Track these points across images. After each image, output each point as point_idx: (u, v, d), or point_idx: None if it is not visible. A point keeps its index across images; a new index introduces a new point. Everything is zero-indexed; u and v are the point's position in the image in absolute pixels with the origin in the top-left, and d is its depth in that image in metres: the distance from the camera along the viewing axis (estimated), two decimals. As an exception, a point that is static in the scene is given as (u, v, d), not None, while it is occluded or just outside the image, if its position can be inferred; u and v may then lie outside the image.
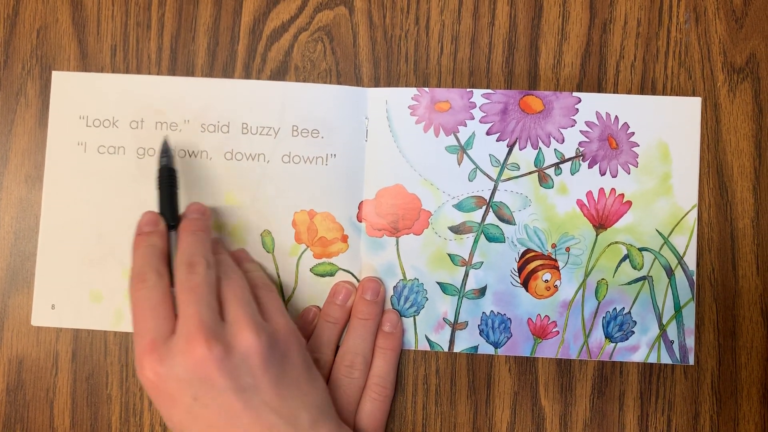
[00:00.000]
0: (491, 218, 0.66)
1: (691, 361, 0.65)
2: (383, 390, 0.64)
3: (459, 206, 0.66)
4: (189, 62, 0.68)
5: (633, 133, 0.66)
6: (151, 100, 0.67)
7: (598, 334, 0.66)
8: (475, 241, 0.66)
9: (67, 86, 0.68)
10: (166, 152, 0.64)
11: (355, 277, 0.67)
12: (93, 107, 0.67)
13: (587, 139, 0.66)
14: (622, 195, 0.66)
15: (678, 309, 0.65)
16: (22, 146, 0.68)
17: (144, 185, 0.67)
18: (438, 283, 0.66)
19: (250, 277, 0.63)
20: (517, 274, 0.66)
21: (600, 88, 0.67)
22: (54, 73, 0.68)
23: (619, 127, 0.66)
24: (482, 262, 0.66)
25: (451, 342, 0.66)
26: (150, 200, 0.65)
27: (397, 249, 0.66)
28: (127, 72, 0.68)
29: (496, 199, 0.66)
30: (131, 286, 0.58)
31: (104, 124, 0.67)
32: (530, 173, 0.66)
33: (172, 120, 0.67)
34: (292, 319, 0.61)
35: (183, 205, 0.64)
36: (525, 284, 0.66)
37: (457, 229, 0.66)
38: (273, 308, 0.60)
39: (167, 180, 0.64)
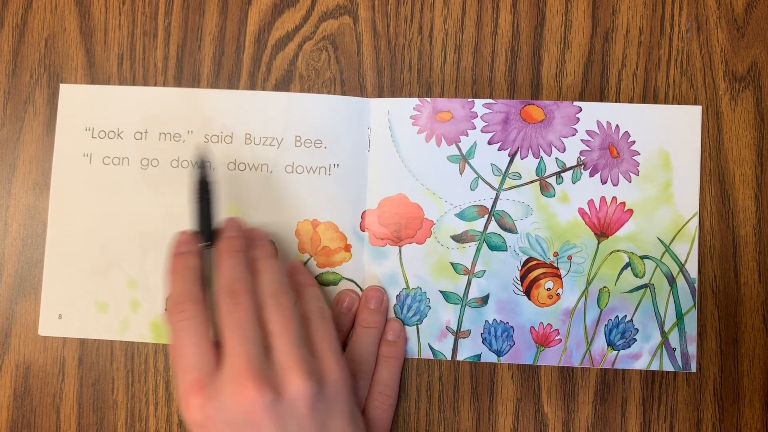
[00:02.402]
0: (493, 227, 0.66)
1: (693, 368, 0.66)
2: (387, 398, 0.65)
3: (461, 215, 0.66)
4: (195, 71, 0.69)
5: (634, 142, 0.66)
6: (155, 111, 0.68)
7: (600, 342, 0.66)
8: (478, 250, 0.66)
9: (74, 98, 0.68)
10: (201, 163, 0.62)
11: (359, 286, 0.67)
12: (99, 119, 0.68)
13: (588, 148, 0.66)
14: (624, 203, 0.66)
15: (680, 316, 0.66)
16: (30, 154, 0.68)
17: (148, 196, 0.67)
18: (441, 291, 0.66)
19: (304, 296, 0.61)
20: (519, 282, 0.66)
21: (602, 97, 0.67)
22: (62, 86, 0.68)
23: (620, 135, 0.66)
24: (485, 271, 0.66)
25: (454, 350, 0.66)
26: (154, 210, 0.66)
27: (400, 258, 0.66)
28: (133, 81, 0.69)
29: (498, 208, 0.66)
30: (170, 313, 0.56)
31: (109, 136, 0.68)
32: (532, 182, 0.66)
33: (176, 131, 0.67)
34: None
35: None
36: (527, 293, 0.66)
37: (459, 238, 0.66)
38: (325, 345, 0.58)
39: (204, 194, 0.61)
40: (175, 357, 0.55)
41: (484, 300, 0.66)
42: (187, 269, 0.58)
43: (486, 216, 0.66)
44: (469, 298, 0.66)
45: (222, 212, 0.67)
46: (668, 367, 0.66)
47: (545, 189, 0.66)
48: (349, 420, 0.57)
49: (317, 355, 0.57)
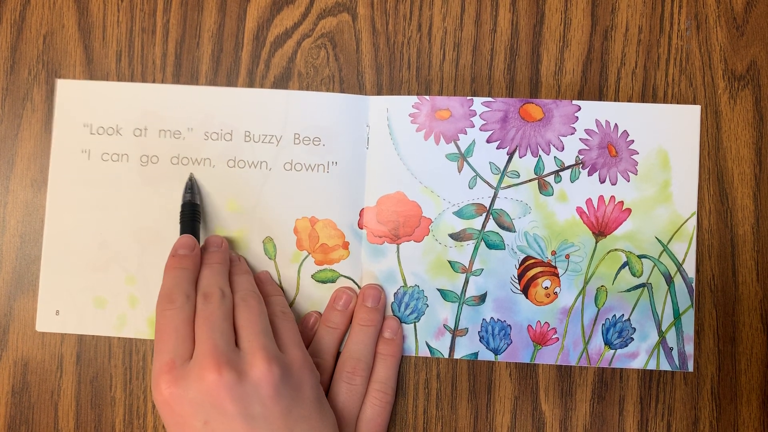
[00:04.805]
0: (491, 225, 0.66)
1: (690, 368, 0.66)
2: (384, 396, 0.65)
3: (459, 213, 0.66)
4: (193, 68, 0.69)
5: (632, 141, 0.66)
6: (155, 108, 0.68)
7: (597, 341, 0.66)
8: (476, 248, 0.66)
9: (72, 94, 0.68)
10: (191, 188, 0.66)
11: (356, 284, 0.67)
12: (97, 115, 0.68)
13: (587, 147, 0.66)
14: (622, 202, 0.66)
15: (677, 316, 0.66)
16: (28, 150, 0.68)
17: (147, 192, 0.67)
18: (438, 289, 0.67)
19: (270, 303, 0.64)
20: (517, 281, 0.66)
21: (601, 95, 0.67)
22: (59, 81, 0.68)
23: (619, 134, 0.66)
24: (482, 269, 0.66)
25: (452, 348, 0.66)
26: (152, 207, 0.66)
27: (398, 256, 0.66)
28: (131, 78, 0.69)
29: (496, 206, 0.66)
30: (159, 305, 0.59)
31: (108, 132, 0.68)
32: (530, 181, 0.66)
33: (176, 128, 0.67)
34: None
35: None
36: (525, 291, 0.66)
37: (457, 236, 0.66)
38: (289, 339, 0.61)
39: (190, 215, 0.65)
40: (156, 342, 0.58)
41: (482, 298, 0.66)
42: (182, 270, 0.61)
43: (484, 214, 0.66)
44: (466, 297, 0.66)
45: (222, 208, 0.67)
46: (665, 366, 0.66)
47: (543, 188, 0.66)
48: (316, 407, 0.59)
49: (283, 348, 0.60)
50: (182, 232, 0.65)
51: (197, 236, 0.65)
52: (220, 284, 0.61)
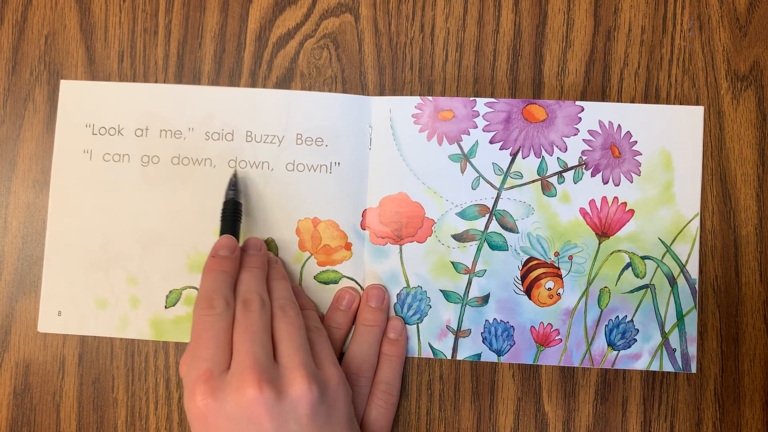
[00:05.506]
0: (494, 226, 0.66)
1: (693, 369, 0.66)
2: (389, 397, 0.65)
3: (462, 214, 0.66)
4: (196, 69, 0.69)
5: (636, 142, 0.66)
6: (156, 108, 0.68)
7: (600, 342, 0.66)
8: (478, 249, 0.66)
9: (75, 95, 0.68)
10: (234, 185, 0.66)
11: (359, 285, 0.67)
12: (99, 115, 0.68)
13: (590, 148, 0.66)
14: (625, 203, 0.66)
15: (680, 317, 0.66)
16: (29, 151, 0.68)
17: (148, 193, 0.67)
18: (441, 290, 0.66)
19: (304, 317, 0.63)
20: (520, 282, 0.66)
21: (604, 96, 0.67)
22: (62, 82, 0.68)
23: (622, 135, 0.66)
24: (485, 270, 0.66)
25: (454, 350, 0.66)
26: (154, 207, 0.66)
27: (401, 257, 0.66)
28: (134, 78, 0.69)
29: (499, 207, 0.66)
30: (198, 307, 0.58)
31: (110, 132, 0.68)
32: (533, 182, 0.66)
33: (177, 128, 0.67)
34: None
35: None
36: (528, 292, 0.66)
37: (460, 237, 0.66)
38: (325, 355, 0.60)
39: (232, 213, 0.65)
40: (193, 348, 0.57)
41: (485, 299, 0.66)
42: (222, 273, 0.60)
43: (487, 215, 0.66)
44: (469, 298, 0.66)
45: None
46: (668, 367, 0.66)
47: (546, 189, 0.66)
48: (348, 426, 0.58)
49: (319, 364, 0.59)
50: (223, 231, 0.64)
51: (238, 236, 0.64)
52: (259, 291, 0.60)
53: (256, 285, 0.60)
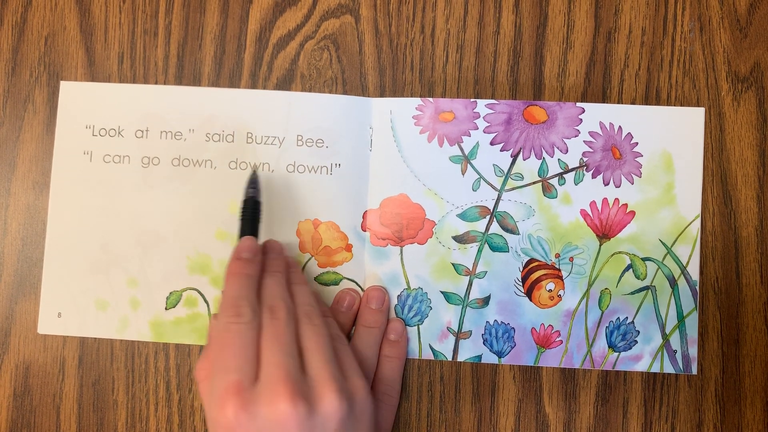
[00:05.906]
0: (495, 228, 0.66)
1: (694, 370, 0.66)
2: (389, 398, 0.65)
3: (463, 216, 0.66)
4: (196, 70, 0.69)
5: (636, 143, 0.66)
6: (156, 109, 0.68)
7: (601, 344, 0.66)
8: (479, 251, 0.66)
9: (75, 96, 0.68)
10: (254, 184, 0.64)
11: (360, 287, 0.67)
12: (99, 116, 0.68)
13: (591, 149, 0.66)
14: (626, 205, 0.66)
15: (681, 319, 0.66)
16: (29, 153, 0.68)
17: (148, 194, 0.67)
18: (442, 292, 0.66)
19: (328, 325, 0.62)
20: (520, 283, 0.66)
21: (604, 97, 0.67)
22: (62, 84, 0.68)
23: (623, 137, 0.66)
24: (486, 272, 0.66)
25: (455, 351, 0.66)
26: (154, 208, 0.66)
27: (401, 258, 0.66)
28: (134, 79, 0.69)
29: (500, 208, 0.66)
30: (223, 315, 0.57)
31: (110, 133, 0.68)
32: (534, 183, 0.66)
33: (177, 129, 0.67)
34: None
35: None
36: (529, 294, 0.66)
37: (461, 239, 0.66)
38: (349, 365, 0.59)
39: (252, 213, 0.64)
40: (217, 356, 0.56)
41: (485, 301, 0.66)
42: (247, 277, 0.59)
43: (488, 217, 0.66)
44: (470, 299, 0.66)
45: (223, 210, 0.67)
46: (669, 369, 0.66)
47: (547, 190, 0.66)
48: None
49: (345, 374, 0.58)
50: (243, 231, 0.63)
51: (258, 237, 0.63)
52: (284, 296, 0.59)
53: (281, 291, 0.59)
